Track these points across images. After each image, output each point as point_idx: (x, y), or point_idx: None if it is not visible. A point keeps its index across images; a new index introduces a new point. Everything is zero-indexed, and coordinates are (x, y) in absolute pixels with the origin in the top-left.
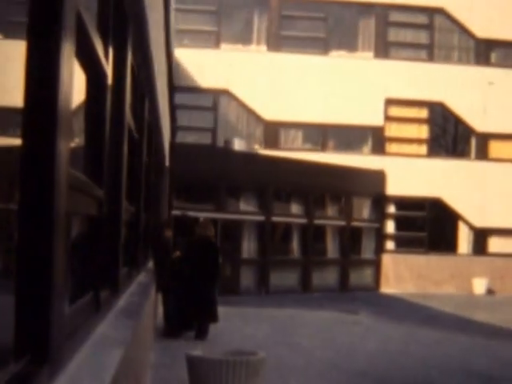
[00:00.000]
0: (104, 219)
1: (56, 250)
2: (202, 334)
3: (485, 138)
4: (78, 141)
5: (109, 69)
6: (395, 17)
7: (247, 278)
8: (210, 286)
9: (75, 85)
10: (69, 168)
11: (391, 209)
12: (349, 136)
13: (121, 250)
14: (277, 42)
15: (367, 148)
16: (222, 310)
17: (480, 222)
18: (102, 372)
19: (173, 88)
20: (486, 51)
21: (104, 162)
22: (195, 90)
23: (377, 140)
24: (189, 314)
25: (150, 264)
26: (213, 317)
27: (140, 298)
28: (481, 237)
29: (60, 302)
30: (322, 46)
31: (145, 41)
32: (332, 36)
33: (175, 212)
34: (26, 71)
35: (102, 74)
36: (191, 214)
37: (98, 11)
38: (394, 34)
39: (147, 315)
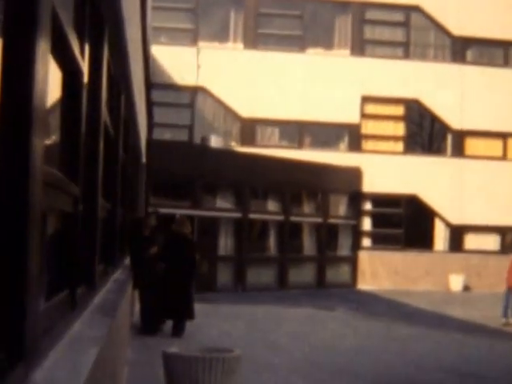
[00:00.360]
0: (80, 216)
1: (31, 247)
2: (178, 331)
3: (461, 135)
4: (53, 138)
5: (85, 66)
6: (371, 14)
7: (224, 275)
8: (186, 282)
9: (51, 82)
10: (44, 165)
11: (367, 206)
12: (325, 133)
13: (97, 247)
14: (253, 39)
15: (344, 145)
16: (198, 307)
17: (456, 219)
18: (78, 369)
19: (150, 85)
20: (462, 49)
21: (80, 159)
22: (172, 87)
23: (353, 137)
24: (165, 311)
25: (127, 261)
26: (189, 314)
27: (116, 295)
28: (457, 234)
29: (35, 299)
30: (299, 43)
31: (121, 38)
32: (308, 34)
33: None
34: (1, 69)
35: (77, 72)
36: (168, 211)
37: (74, 9)
38: (370, 32)
39: (124, 312)
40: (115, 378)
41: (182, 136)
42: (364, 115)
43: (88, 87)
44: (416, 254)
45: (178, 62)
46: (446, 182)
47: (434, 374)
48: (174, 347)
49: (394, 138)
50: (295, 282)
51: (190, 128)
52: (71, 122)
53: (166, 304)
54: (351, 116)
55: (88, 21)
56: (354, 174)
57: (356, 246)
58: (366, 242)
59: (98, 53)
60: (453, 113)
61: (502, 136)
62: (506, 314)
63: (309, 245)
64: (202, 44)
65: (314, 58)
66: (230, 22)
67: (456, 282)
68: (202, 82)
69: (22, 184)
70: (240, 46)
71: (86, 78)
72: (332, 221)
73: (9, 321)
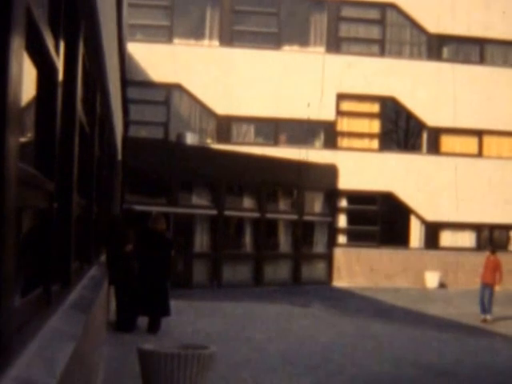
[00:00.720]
0: (55, 213)
1: (5, 244)
2: (154, 328)
3: (436, 133)
4: (28, 135)
5: (60, 63)
6: (347, 12)
7: (200, 271)
8: (162, 279)
9: (26, 80)
10: (19, 162)
11: (343, 203)
12: (301, 130)
13: (72, 243)
14: (229, 36)
15: (319, 142)
16: (174, 304)
17: (432, 216)
18: (52, 365)
19: (125, 82)
20: (438, 46)
21: (55, 157)
22: (148, 84)
23: (329, 134)
24: (141, 307)
25: (103, 258)
26: (165, 310)
27: (92, 291)
28: (433, 231)
29: (10, 297)
30: (274, 40)
31: (97, 35)
32: (284, 31)
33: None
34: None
35: (52, 69)
36: (144, 208)
37: (48, 5)
38: (345, 29)
39: (99, 309)
40: (91, 374)
41: (158, 133)
42: (339, 112)
43: (63, 84)
44: (392, 251)
45: (154, 59)
46: (422, 179)
47: (409, 371)
48: (150, 343)
49: (370, 136)
50: (271, 279)
51: (166, 125)
52: (46, 119)
53: (142, 300)
54: (327, 113)
55: (63, 17)
56: (330, 171)
57: (331, 243)
58: (342, 239)
59: (73, 50)
60: (428, 110)
61: (478, 133)
62: (484, 311)
63: (284, 242)
64: (177, 41)
65: (289, 55)
66: (206, 19)
67: (432, 279)
68: (177, 79)
69: None
70: (216, 43)
71: (61, 76)
72: (308, 218)
73: None
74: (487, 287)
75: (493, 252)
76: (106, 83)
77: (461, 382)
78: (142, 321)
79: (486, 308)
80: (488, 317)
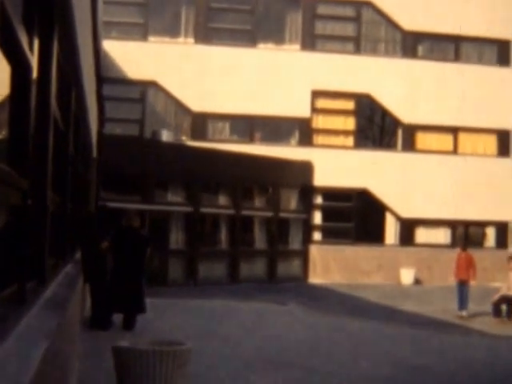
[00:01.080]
0: (29, 210)
1: None
2: (129, 325)
3: (411, 130)
4: (2, 133)
5: (34, 61)
6: (322, 9)
7: (175, 269)
8: (137, 276)
9: None
10: None
11: (318, 200)
12: (276, 128)
13: (47, 241)
14: (204, 34)
15: (294, 139)
16: (149, 301)
17: (407, 213)
18: (27, 362)
19: (101, 80)
20: (413, 43)
21: (29, 154)
22: (123, 81)
23: (304, 131)
24: (116, 304)
25: (78, 255)
26: (140, 307)
27: (67, 289)
28: (408, 227)
29: None
30: (250, 38)
31: (71, 33)
32: (259, 28)
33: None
34: None
35: (26, 66)
36: (120, 205)
37: (22, 3)
38: (321, 27)
39: (74, 306)
40: (66, 371)
41: (133, 130)
42: (315, 110)
43: (37, 82)
44: (367, 248)
45: (129, 56)
46: (397, 176)
47: (384, 368)
48: (125, 341)
49: (345, 133)
50: (246, 276)
51: (141, 122)
52: (20, 116)
53: (117, 298)
54: (302, 110)
55: (37, 15)
56: (305, 168)
57: (307, 239)
58: (317, 235)
59: (47, 47)
60: (403, 107)
61: (453, 130)
62: (461, 307)
63: (260, 239)
64: (152, 38)
65: (264, 53)
66: (181, 17)
67: (407, 276)
68: (152, 76)
69: None
70: (191, 40)
71: (35, 73)
72: (283, 215)
73: None
74: (463, 284)
75: (464, 249)
76: (81, 80)
77: (437, 379)
78: (118, 318)
79: (462, 304)
80: (464, 313)
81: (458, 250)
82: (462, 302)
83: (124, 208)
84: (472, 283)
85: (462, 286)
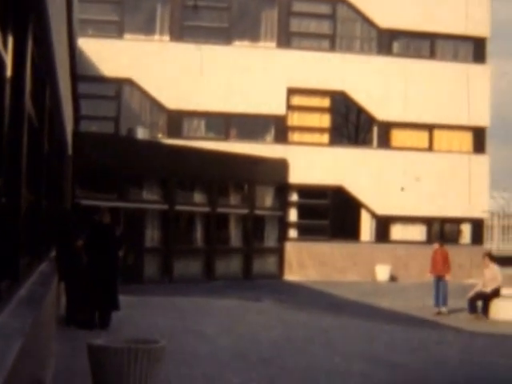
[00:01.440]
0: (2, 208)
1: None
2: (104, 323)
3: (386, 127)
4: None
5: (8, 58)
6: (298, 7)
7: (151, 266)
8: (110, 273)
9: None
10: None
11: (294, 197)
12: (251, 125)
13: (21, 239)
14: (180, 31)
15: (270, 137)
16: (125, 299)
17: (382, 210)
18: (1, 360)
19: (76, 77)
20: (388, 41)
21: (2, 152)
22: (99, 79)
23: (279, 129)
24: (90, 302)
25: (53, 253)
26: (114, 305)
27: (41, 287)
28: (383, 224)
29: None
30: (225, 35)
31: (46, 30)
32: (235, 26)
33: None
34: None
35: (0, 64)
36: (95, 203)
37: None
38: (296, 24)
39: (49, 304)
40: (41, 369)
41: (109, 128)
42: (290, 107)
43: (11, 79)
44: (342, 245)
45: (105, 54)
46: (372, 173)
47: (359, 364)
48: (100, 339)
49: (320, 130)
50: (222, 274)
51: (117, 120)
52: None
53: (91, 295)
54: (277, 108)
55: (11, 12)
56: (281, 166)
57: (282, 237)
58: (293, 233)
59: (21, 45)
60: (379, 105)
61: (428, 127)
62: (437, 304)
63: (235, 236)
64: (128, 36)
65: (240, 50)
66: (157, 15)
67: (382, 273)
68: (128, 74)
69: None
70: (166, 38)
71: (9, 71)
72: (258, 212)
73: None
74: (441, 280)
75: (441, 245)
76: (56, 78)
77: (412, 375)
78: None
79: (440, 301)
80: (444, 309)
81: (434, 246)
82: (439, 298)
83: (99, 205)
84: (447, 278)
85: (439, 282)
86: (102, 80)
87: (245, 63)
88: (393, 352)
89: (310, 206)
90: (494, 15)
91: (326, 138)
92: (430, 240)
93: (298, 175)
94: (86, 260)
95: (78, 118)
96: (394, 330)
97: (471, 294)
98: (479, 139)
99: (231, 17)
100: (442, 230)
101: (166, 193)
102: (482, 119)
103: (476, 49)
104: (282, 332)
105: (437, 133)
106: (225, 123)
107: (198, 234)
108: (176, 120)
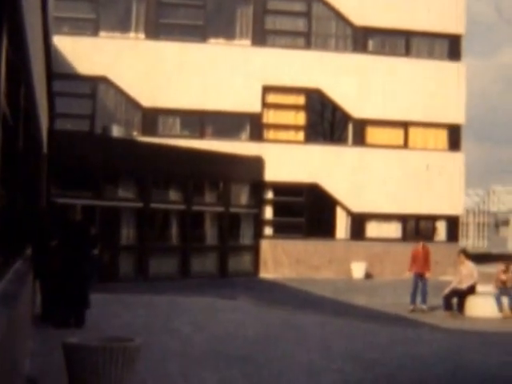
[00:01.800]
0: None
1: None
2: (79, 321)
3: (362, 124)
4: None
5: None
6: (273, 5)
7: (126, 264)
8: (81, 271)
9: None
10: None
11: (269, 195)
12: (227, 123)
13: None
14: (155, 29)
15: (245, 135)
16: (100, 297)
17: (357, 207)
18: None
19: (51, 75)
20: (363, 38)
21: None
22: (74, 77)
23: (255, 127)
24: (65, 301)
25: (28, 251)
26: (85, 303)
27: (17, 285)
28: (358, 222)
29: None
30: (201, 33)
31: (20, 28)
32: (210, 24)
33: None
34: None
35: None
36: (70, 201)
37: None
38: (271, 22)
39: (24, 303)
40: (16, 368)
41: (84, 126)
42: (265, 105)
43: None
44: (318, 243)
45: (80, 51)
46: (347, 170)
47: (334, 361)
48: (75, 337)
49: (296, 128)
50: (197, 272)
51: (92, 118)
52: None
53: (66, 294)
54: (252, 105)
55: None
56: (256, 164)
57: (258, 234)
58: (268, 230)
59: None
60: (354, 102)
61: (403, 125)
62: (414, 301)
63: (211, 234)
64: (103, 34)
65: (215, 48)
66: (132, 12)
67: (358, 270)
68: (103, 71)
69: None
70: (142, 35)
71: None
72: (234, 210)
73: None
74: (421, 278)
75: (424, 243)
76: (31, 76)
77: (388, 372)
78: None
79: (415, 298)
80: (424, 307)
81: (415, 244)
82: (415, 296)
83: (74, 204)
84: (427, 276)
85: (419, 279)
86: (77, 78)
87: (220, 61)
88: (368, 349)
89: (286, 203)
90: (469, 13)
91: (301, 135)
92: (405, 237)
93: (274, 173)
94: (60, 259)
95: (53, 116)
96: (369, 327)
97: (446, 291)
98: (454, 137)
99: (206, 14)
100: (417, 227)
101: (141, 191)
102: (458, 117)
103: (451, 46)
104: (257, 330)
105: (412, 130)
106: (200, 121)
107: (174, 231)
108: (151, 118)
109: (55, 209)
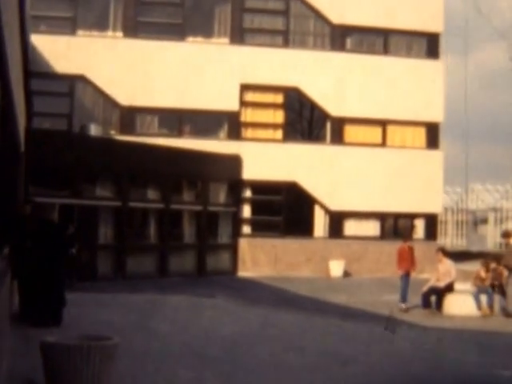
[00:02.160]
0: None
1: None
2: (56, 320)
3: (340, 123)
4: None
5: None
6: (251, 3)
7: (104, 263)
8: (56, 269)
9: None
10: None
11: (247, 193)
12: (205, 121)
13: None
14: (133, 27)
15: (223, 133)
16: (78, 296)
17: (335, 206)
18: None
19: (29, 74)
20: (342, 37)
21: None
22: (51, 75)
23: (232, 125)
24: (42, 300)
25: (6, 250)
26: (61, 301)
27: None
28: (337, 220)
29: None
30: (179, 31)
31: None
32: (188, 22)
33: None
34: None
35: None
36: (48, 200)
37: None
38: (249, 20)
39: (2, 302)
40: None
41: (62, 125)
42: (243, 103)
43: None
44: (296, 241)
45: (58, 50)
46: (326, 169)
47: (311, 359)
48: (53, 336)
49: (274, 126)
50: (175, 270)
51: (70, 117)
52: None
53: (41, 292)
54: (230, 104)
55: None
56: (234, 162)
57: (236, 233)
58: (246, 229)
59: None
60: (332, 100)
61: (381, 123)
62: (404, 300)
63: (189, 233)
64: (81, 32)
65: (193, 47)
66: (110, 11)
67: (336, 268)
68: (81, 70)
69: None
70: (119, 34)
71: None
72: (212, 208)
73: None
74: (408, 276)
75: (406, 240)
76: (8, 74)
77: (366, 370)
78: (47, 313)
79: (404, 296)
80: (404, 305)
81: (405, 244)
82: (406, 294)
83: (52, 203)
84: (413, 274)
85: (407, 278)
86: (54, 77)
87: (198, 59)
88: (346, 346)
89: (264, 202)
90: (447, 10)
91: (279, 133)
92: (383, 235)
93: (252, 171)
94: (35, 258)
95: (30, 114)
96: (347, 325)
97: (425, 288)
98: (433, 134)
99: (184, 13)
100: (395, 226)
101: (119, 189)
102: (436, 115)
103: (430, 44)
104: (235, 328)
105: (390, 128)
106: (178, 119)
107: (152, 230)
108: (129, 116)
109: (33, 208)
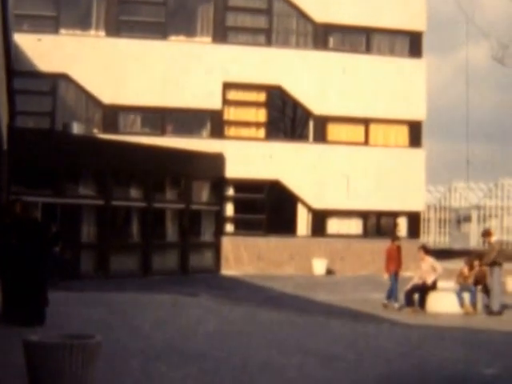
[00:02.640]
0: None
1: None
2: (39, 319)
3: (323, 121)
4: None
5: None
6: (234, 2)
7: (87, 262)
8: (38, 268)
9: None
10: None
11: (230, 192)
12: (187, 120)
13: None
14: (116, 26)
15: (206, 132)
16: (61, 295)
17: (318, 204)
18: None
19: (12, 72)
20: (324, 35)
21: None
22: (34, 74)
23: (215, 123)
24: (25, 298)
25: None
26: (44, 299)
27: None
28: (319, 218)
29: None
30: (161, 30)
31: None
32: (171, 21)
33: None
34: None
35: None
36: (31, 199)
37: None
38: (232, 19)
39: None
40: None
41: (44, 123)
42: (226, 101)
43: None
44: (279, 239)
45: (41, 49)
46: (308, 167)
47: (294, 357)
48: (35, 335)
49: (257, 124)
50: (158, 269)
51: (52, 115)
52: None
53: (24, 291)
54: (213, 102)
55: None
56: (217, 160)
57: (219, 231)
58: (229, 227)
59: None
60: (315, 99)
61: (364, 121)
62: (395, 298)
63: (172, 231)
64: (64, 31)
65: (176, 45)
66: (93, 10)
67: (319, 266)
68: (64, 69)
69: None
70: (102, 33)
71: None
72: (195, 207)
73: None
74: (397, 275)
75: (393, 240)
76: None
77: (349, 367)
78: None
79: (395, 296)
80: (385, 302)
81: (394, 244)
82: (392, 293)
83: (35, 201)
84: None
85: (396, 277)
86: (37, 75)
87: (181, 58)
88: (329, 345)
89: (247, 200)
90: (430, 9)
91: (262, 132)
92: (366, 234)
93: (235, 170)
94: (20, 257)
95: (13, 113)
96: (330, 323)
97: (408, 286)
98: (415, 133)
99: (167, 11)
100: (378, 224)
101: (102, 188)
102: (418, 113)
103: (412, 43)
104: (218, 326)
105: (373, 127)
106: (161, 118)
107: (135, 229)
108: (112, 115)
109: (16, 207)
